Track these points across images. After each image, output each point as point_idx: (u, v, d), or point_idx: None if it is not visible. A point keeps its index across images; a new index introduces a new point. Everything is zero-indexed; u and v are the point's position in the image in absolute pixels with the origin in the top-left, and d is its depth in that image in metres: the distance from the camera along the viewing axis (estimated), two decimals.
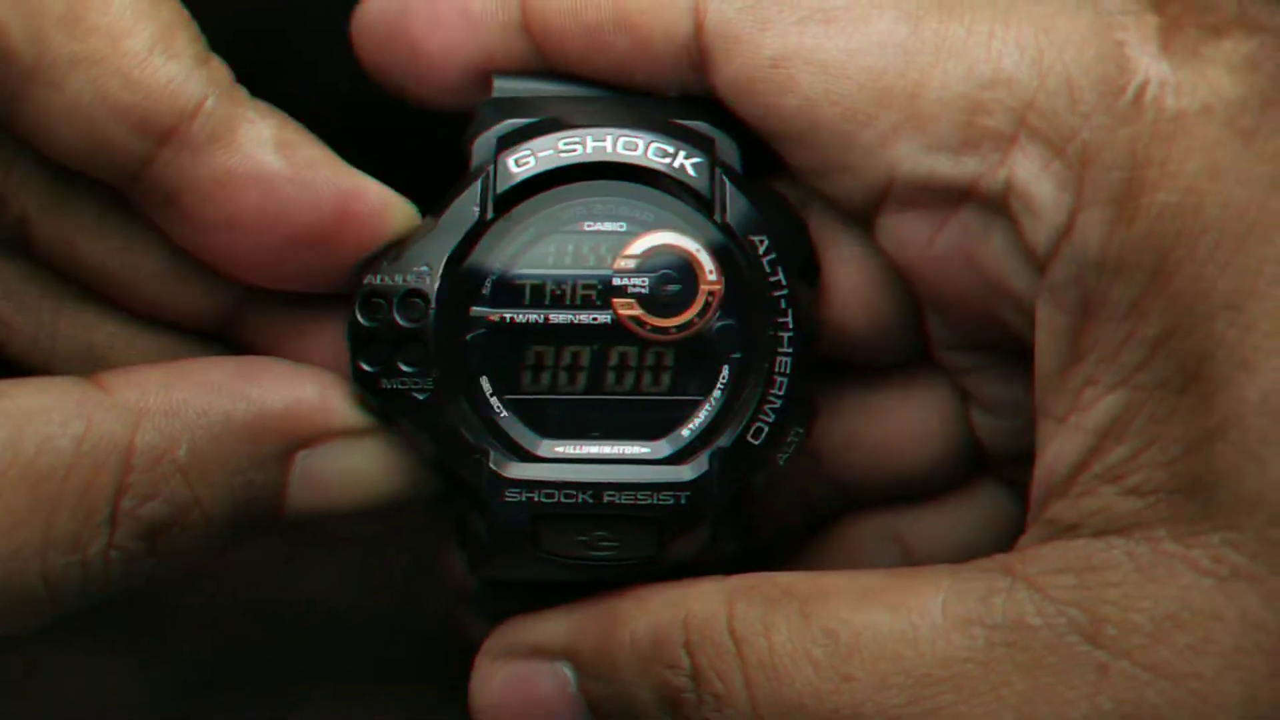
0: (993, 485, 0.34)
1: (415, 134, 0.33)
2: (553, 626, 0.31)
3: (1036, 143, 0.28)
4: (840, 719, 0.28)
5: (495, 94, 0.32)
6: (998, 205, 0.29)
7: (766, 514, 0.33)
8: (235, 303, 0.32)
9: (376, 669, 0.39)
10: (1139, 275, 0.27)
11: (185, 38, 0.29)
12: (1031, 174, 0.28)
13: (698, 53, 0.30)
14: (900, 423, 0.33)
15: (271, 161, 0.30)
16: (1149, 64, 0.28)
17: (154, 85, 0.29)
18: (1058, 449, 0.29)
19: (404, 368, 0.30)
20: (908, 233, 0.30)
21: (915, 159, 0.29)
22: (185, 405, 0.29)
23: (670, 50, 0.30)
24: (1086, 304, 0.28)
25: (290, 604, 0.37)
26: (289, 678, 0.38)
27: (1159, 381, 0.27)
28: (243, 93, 0.30)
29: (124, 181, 0.30)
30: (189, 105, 0.29)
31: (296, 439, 0.30)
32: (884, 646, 0.28)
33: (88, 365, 0.32)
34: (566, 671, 0.31)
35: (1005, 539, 0.30)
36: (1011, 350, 0.31)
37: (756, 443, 0.30)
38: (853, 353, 0.32)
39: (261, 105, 0.30)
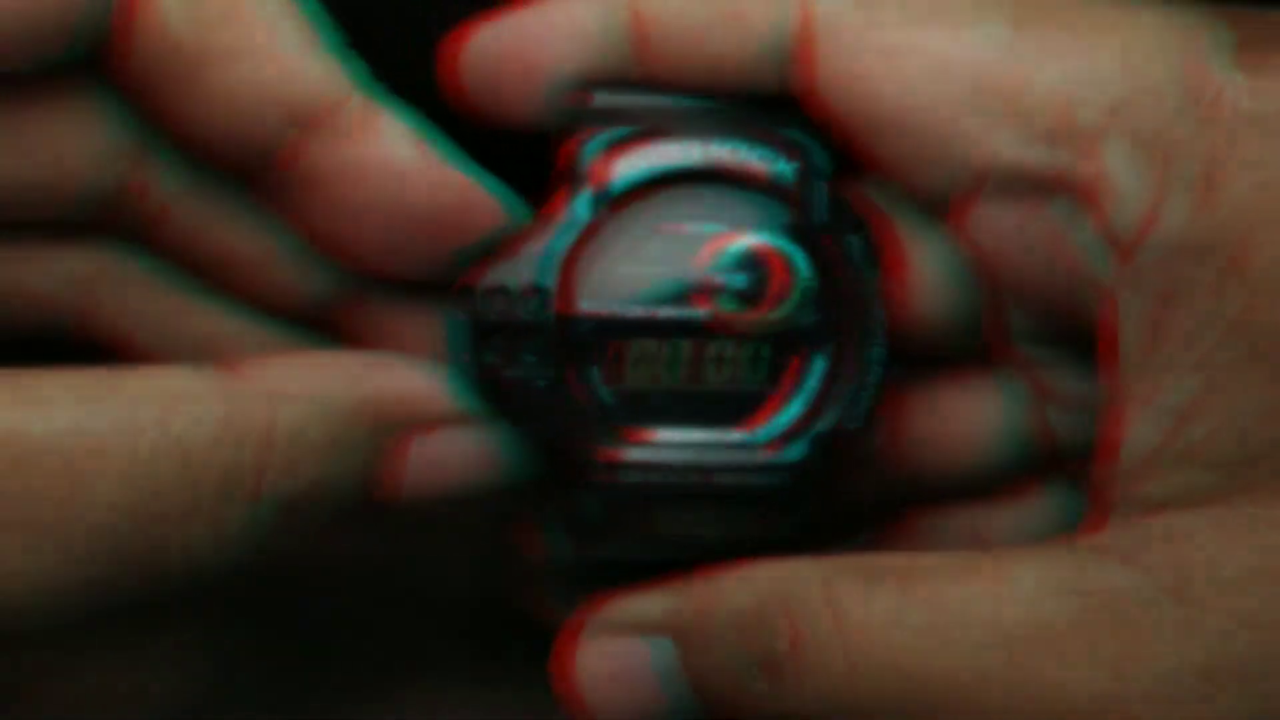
0: (1064, 481, 0.35)
1: (497, 141, 0.35)
2: (653, 603, 0.33)
3: (1124, 138, 0.30)
4: (937, 682, 0.29)
5: (595, 104, 0.33)
6: (1087, 195, 0.31)
7: (853, 503, 0.35)
8: (347, 293, 0.34)
9: (429, 655, 0.40)
10: (1219, 259, 0.29)
11: (322, 34, 0.32)
12: (1119, 166, 0.30)
13: (799, 47, 0.32)
14: (974, 419, 0.35)
15: (408, 152, 0.32)
16: (1224, 72, 0.30)
17: (309, 76, 0.31)
18: (1137, 432, 0.30)
19: (525, 359, 0.32)
20: (999, 223, 0.32)
21: (1013, 149, 0.31)
22: (317, 391, 0.31)
23: (773, 45, 0.32)
24: (1168, 289, 0.30)
25: (336, 592, 0.38)
26: (332, 668, 0.39)
27: (1236, 360, 0.29)
28: (372, 90, 0.32)
29: (262, 170, 0.32)
30: (337, 96, 0.31)
31: (416, 425, 0.32)
32: (980, 613, 0.30)
33: (205, 356, 0.33)
34: (669, 646, 0.32)
35: (1081, 533, 0.31)
36: (1086, 343, 0.33)
37: (851, 429, 0.32)
38: (929, 347, 0.34)
39: (389, 104, 0.32)
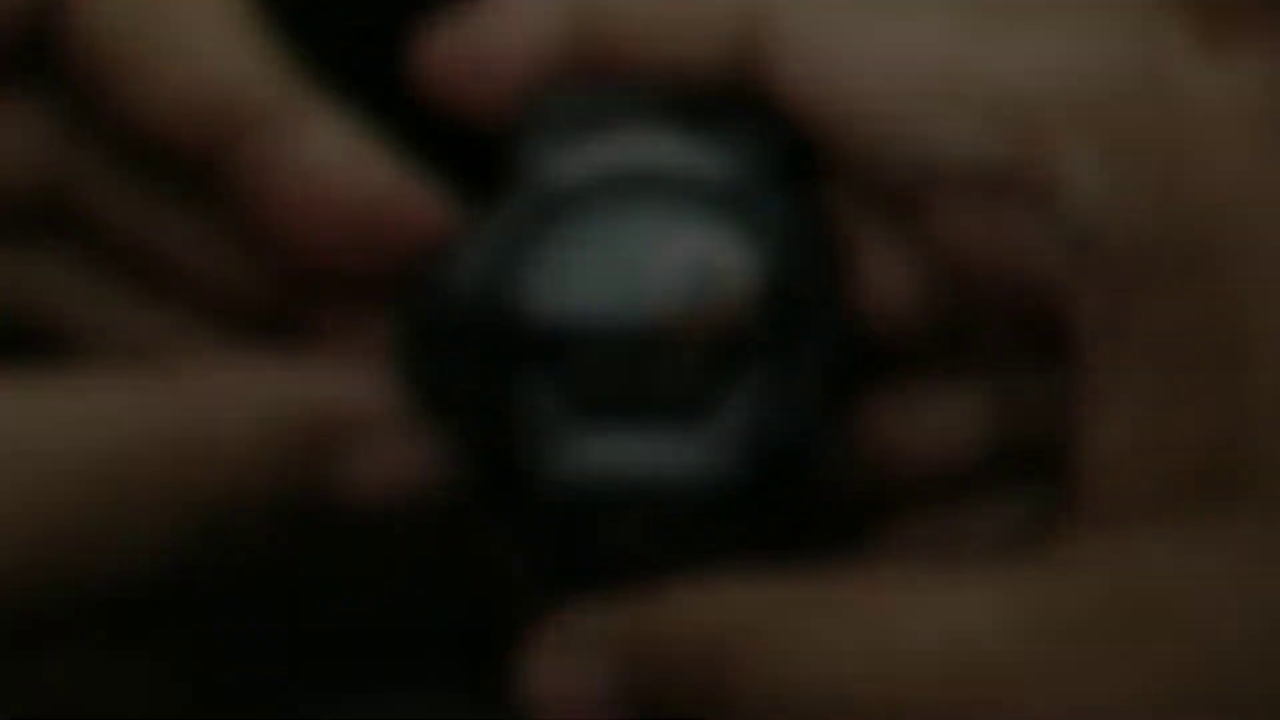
0: (1033, 483, 0.34)
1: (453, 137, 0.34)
2: (599, 623, 0.32)
3: (1083, 130, 0.29)
4: (885, 708, 0.28)
5: (545, 101, 0.33)
6: (1043, 191, 0.30)
7: (812, 511, 0.34)
8: (291, 296, 0.33)
9: (401, 661, 0.39)
10: (1178, 259, 0.28)
11: (256, 32, 0.31)
12: (1078, 159, 0.29)
13: (753, 40, 0.31)
14: (941, 423, 0.34)
15: (339, 153, 0.31)
16: (1186, 64, 0.29)
17: (244, 73, 0.31)
18: (1098, 436, 0.29)
19: (463, 362, 0.31)
20: (958, 220, 0.31)
21: (970, 145, 0.30)
22: (245, 397, 0.30)
23: (727, 40, 0.32)
24: (1129, 287, 0.29)
25: (309, 594, 0.37)
26: (308, 669, 0.39)
27: (1195, 366, 0.28)
28: (309, 89, 0.32)
29: (195, 166, 0.31)
30: (267, 94, 0.31)
31: (350, 432, 0.31)
32: (931, 636, 0.28)
33: (143, 358, 0.33)
34: (613, 664, 0.31)
35: (1048, 534, 0.30)
36: (1051, 344, 0.31)
37: (806, 435, 0.31)
38: (894, 348, 0.33)
39: (327, 103, 0.32)
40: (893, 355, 0.33)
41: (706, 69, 0.32)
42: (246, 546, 0.31)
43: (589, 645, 0.31)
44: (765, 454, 0.31)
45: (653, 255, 0.32)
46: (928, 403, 0.34)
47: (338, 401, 0.31)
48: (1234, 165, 0.28)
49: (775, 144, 0.32)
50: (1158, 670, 0.27)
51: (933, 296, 0.32)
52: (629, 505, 0.31)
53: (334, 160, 0.31)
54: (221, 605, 0.36)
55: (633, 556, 0.31)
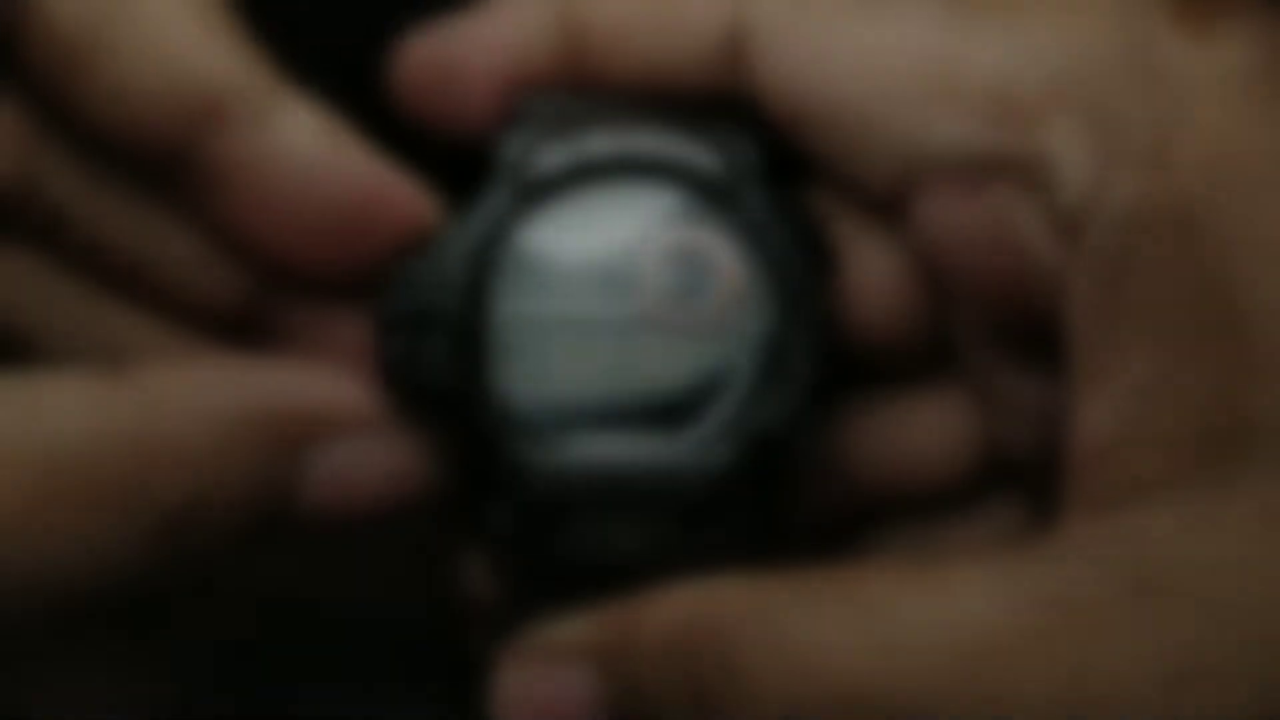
0: (1017, 492, 0.34)
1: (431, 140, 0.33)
2: (575, 627, 0.31)
3: (1067, 113, 0.29)
4: (887, 701, 0.27)
5: (528, 105, 0.32)
6: (1031, 176, 0.29)
7: (793, 513, 0.33)
8: (260, 295, 0.32)
9: (382, 667, 0.38)
10: (1170, 230, 0.28)
11: (226, 24, 0.30)
12: (1063, 142, 0.29)
13: (735, 44, 0.31)
14: (925, 430, 0.33)
15: (315, 145, 0.30)
16: (1168, 40, 0.29)
17: (206, 68, 0.30)
18: (1093, 421, 0.29)
19: (431, 359, 0.30)
20: (940, 213, 0.30)
21: (950, 135, 0.30)
22: (206, 400, 0.29)
23: (707, 42, 0.31)
24: (1120, 266, 0.28)
25: (294, 601, 0.36)
26: (292, 676, 0.37)
27: (1192, 335, 0.27)
28: (281, 81, 0.31)
29: (166, 163, 0.30)
30: (235, 87, 0.30)
31: (314, 434, 0.30)
32: (929, 626, 0.27)
33: (111, 357, 0.32)
34: (592, 672, 0.30)
35: (1041, 525, 0.30)
36: (1038, 345, 0.31)
37: (783, 434, 0.30)
38: (875, 357, 0.33)
39: (299, 94, 0.31)
40: (876, 362, 0.33)
41: (692, 73, 0.32)
42: (215, 549, 0.30)
43: (569, 651, 0.30)
44: (751, 450, 0.30)
45: (637, 247, 0.31)
46: (911, 410, 0.33)
47: (308, 401, 0.30)
48: (1221, 135, 0.28)
49: (759, 144, 0.32)
50: (1162, 648, 0.26)
51: (917, 300, 0.32)
52: (611, 502, 0.30)
53: (309, 154, 0.30)
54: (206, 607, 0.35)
55: (615, 556, 0.30)
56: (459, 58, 0.32)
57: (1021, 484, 0.33)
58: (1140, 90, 0.29)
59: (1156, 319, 0.28)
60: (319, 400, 0.30)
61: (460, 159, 0.33)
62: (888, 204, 0.31)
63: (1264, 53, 0.29)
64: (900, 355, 0.33)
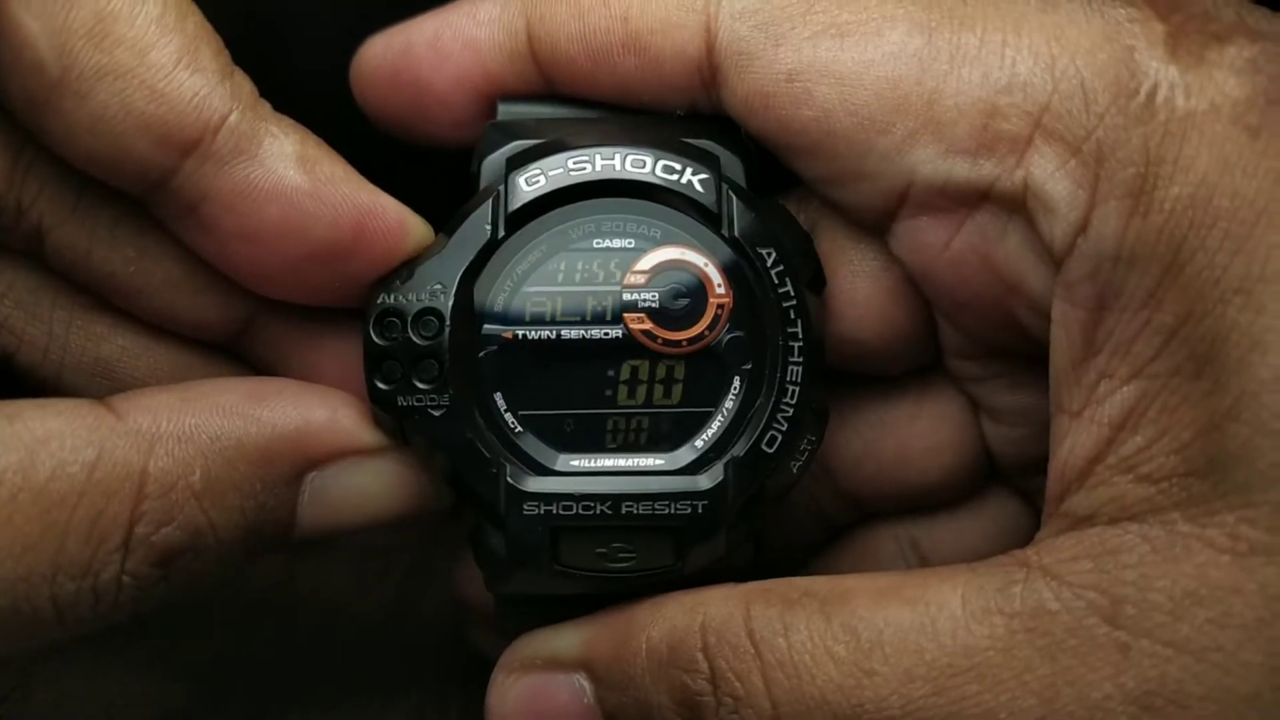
0: (1005, 495, 0.34)
1: (418, 157, 0.33)
2: (568, 638, 0.31)
3: (1052, 143, 0.29)
4: (864, 714, 0.28)
5: (500, 117, 0.32)
6: (1014, 205, 0.29)
7: (782, 525, 0.34)
8: (246, 316, 0.32)
9: (378, 676, 0.39)
10: (1154, 266, 0.28)
11: (210, 52, 0.30)
12: (1048, 173, 0.29)
13: (709, 71, 0.31)
14: (913, 434, 0.33)
15: (293, 176, 0.30)
16: (1158, 68, 0.28)
17: (179, 98, 0.29)
18: (1073, 443, 0.29)
19: (419, 384, 0.30)
20: (924, 237, 0.31)
21: (933, 164, 0.30)
22: (198, 430, 0.30)
23: (681, 69, 0.31)
24: (1102, 297, 0.28)
25: (293, 609, 0.37)
26: (291, 684, 0.38)
27: (1173, 369, 0.28)
28: (266, 107, 0.30)
29: (145, 192, 0.30)
30: (213, 118, 0.29)
31: (307, 460, 0.31)
32: (905, 640, 0.28)
33: (97, 378, 0.32)
34: (583, 682, 0.31)
35: (1018, 546, 0.30)
36: (1023, 358, 0.31)
37: (770, 451, 0.31)
38: (865, 364, 0.33)
39: (285, 121, 0.30)
40: (864, 373, 0.33)
41: (672, 92, 0.32)
42: (213, 575, 0.30)
43: (554, 662, 0.31)
44: (740, 470, 0.31)
45: (614, 269, 0.31)
46: (904, 415, 0.34)
47: (306, 428, 0.30)
48: (1210, 170, 0.28)
49: (742, 157, 0.32)
50: (1135, 678, 0.27)
51: (903, 314, 0.32)
52: (603, 524, 0.30)
53: (292, 184, 0.30)
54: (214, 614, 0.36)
55: (594, 578, 0.31)
56: (419, 63, 0.32)
57: (1014, 487, 0.34)
58: (1130, 120, 0.28)
59: (1135, 354, 0.28)
60: (316, 427, 0.30)
61: (445, 171, 0.33)
62: (872, 225, 0.31)
63: (1258, 82, 0.28)
64: (891, 364, 0.33)
